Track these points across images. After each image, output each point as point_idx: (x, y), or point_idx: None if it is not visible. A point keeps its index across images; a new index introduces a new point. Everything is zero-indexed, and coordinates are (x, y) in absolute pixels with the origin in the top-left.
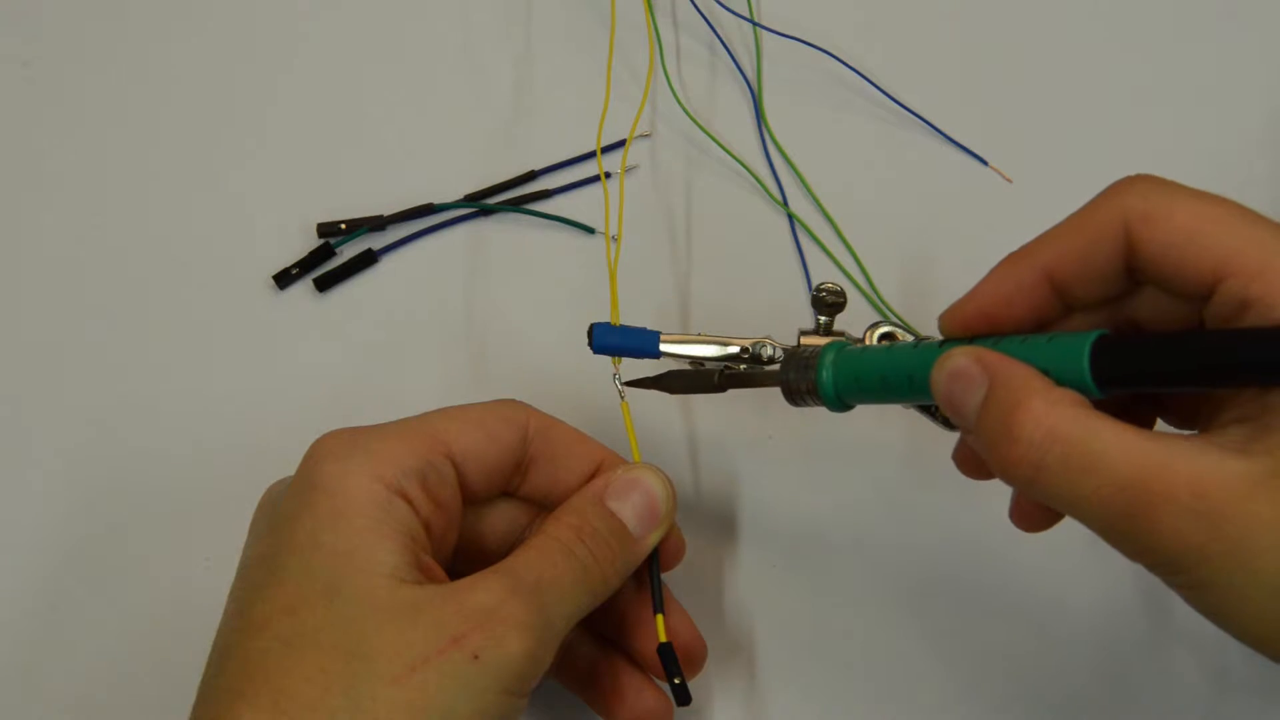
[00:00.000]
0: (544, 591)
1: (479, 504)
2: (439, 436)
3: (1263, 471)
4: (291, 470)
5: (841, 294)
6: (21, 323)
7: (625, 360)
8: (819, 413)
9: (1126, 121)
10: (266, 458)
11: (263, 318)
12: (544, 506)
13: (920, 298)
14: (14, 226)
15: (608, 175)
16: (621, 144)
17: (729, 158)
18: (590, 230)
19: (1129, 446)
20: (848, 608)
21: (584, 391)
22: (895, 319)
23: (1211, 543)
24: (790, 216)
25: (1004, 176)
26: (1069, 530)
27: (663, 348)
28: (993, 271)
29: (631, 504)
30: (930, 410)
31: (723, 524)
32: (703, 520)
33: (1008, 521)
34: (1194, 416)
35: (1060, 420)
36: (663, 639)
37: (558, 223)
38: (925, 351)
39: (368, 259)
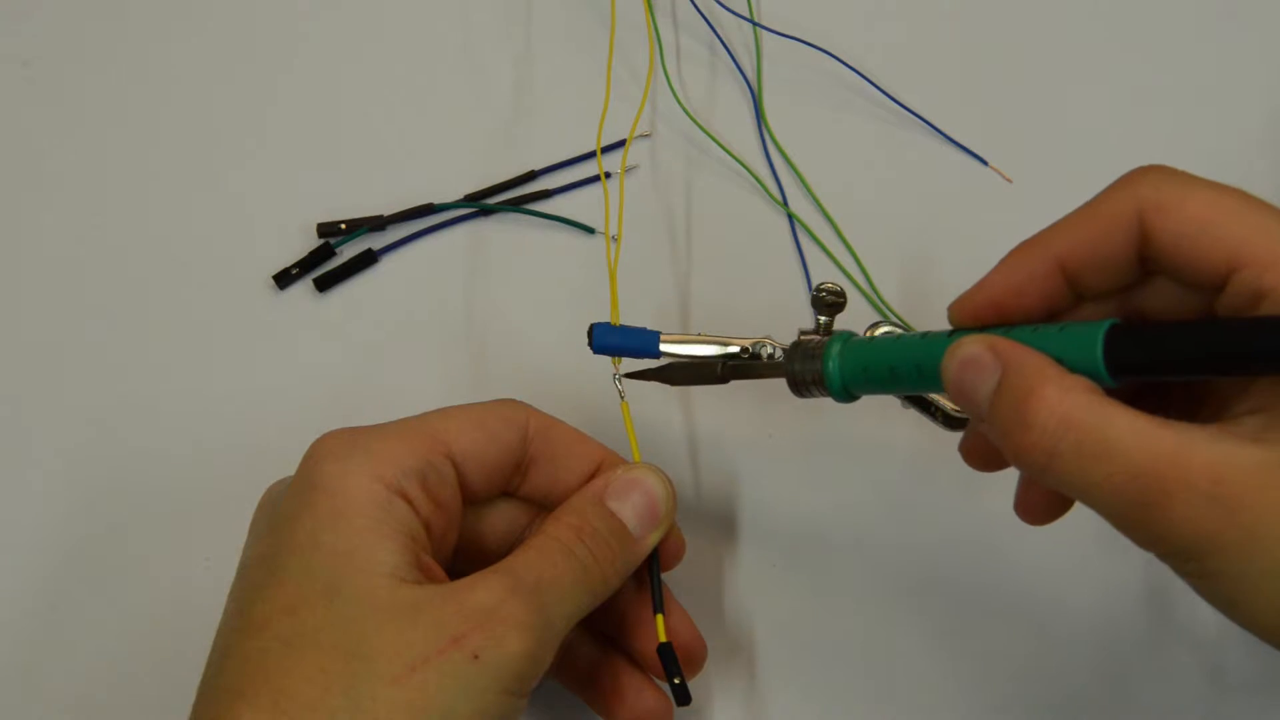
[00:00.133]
0: (544, 591)
1: (479, 504)
2: (439, 436)
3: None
4: (291, 470)
5: (841, 294)
6: (21, 323)
7: (625, 360)
8: (819, 412)
9: (1126, 121)
10: (266, 458)
11: (263, 318)
12: (544, 506)
13: (920, 298)
14: (14, 226)
15: (608, 175)
16: (621, 144)
17: (729, 158)
18: (590, 230)
19: (1143, 434)
20: (848, 608)
21: (584, 391)
22: (895, 319)
23: (1225, 531)
24: (790, 216)
25: (1004, 176)
26: (1069, 530)
27: (663, 348)
28: (1003, 261)
29: (631, 504)
30: (930, 409)
31: (723, 524)
32: (703, 520)
33: (1008, 521)
34: (1196, 412)
35: (1074, 407)
36: (663, 639)
37: (558, 223)
38: (933, 342)
39: (368, 259)
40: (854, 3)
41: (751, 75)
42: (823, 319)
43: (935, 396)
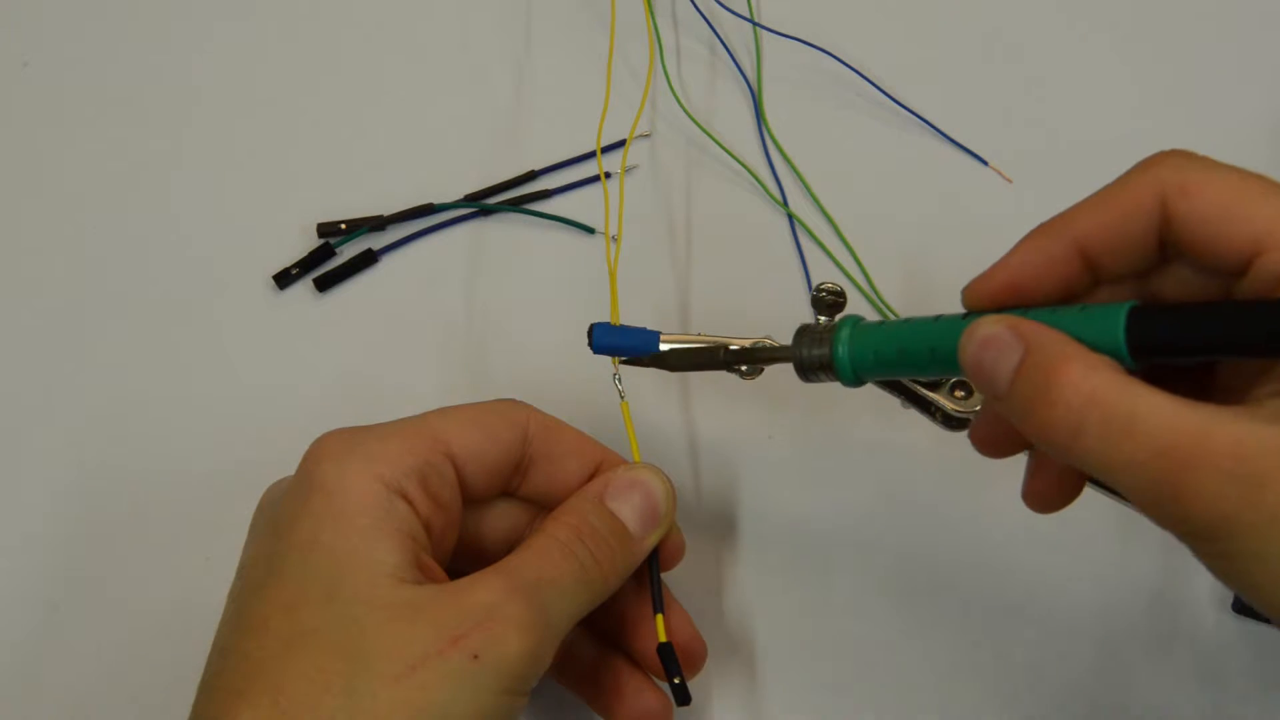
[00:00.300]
0: (544, 591)
1: (479, 504)
2: (439, 436)
3: None
4: (291, 470)
5: (841, 294)
6: (21, 323)
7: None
8: (819, 413)
9: (1127, 121)
10: (266, 457)
11: (263, 318)
12: (544, 506)
13: (920, 298)
14: (14, 226)
15: (608, 175)
16: (621, 144)
17: (729, 158)
18: (590, 230)
19: (1168, 412)
20: (848, 607)
21: (584, 391)
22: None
23: (1248, 510)
24: (790, 216)
25: (1004, 176)
26: (1069, 530)
27: (663, 348)
28: (1021, 243)
29: (631, 504)
30: (930, 409)
31: (723, 524)
32: (703, 520)
33: (1008, 521)
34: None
35: (1100, 385)
36: (663, 639)
37: (558, 223)
38: (948, 324)
39: (368, 259)
40: (854, 3)
41: (751, 75)
42: (822, 319)
43: (935, 396)
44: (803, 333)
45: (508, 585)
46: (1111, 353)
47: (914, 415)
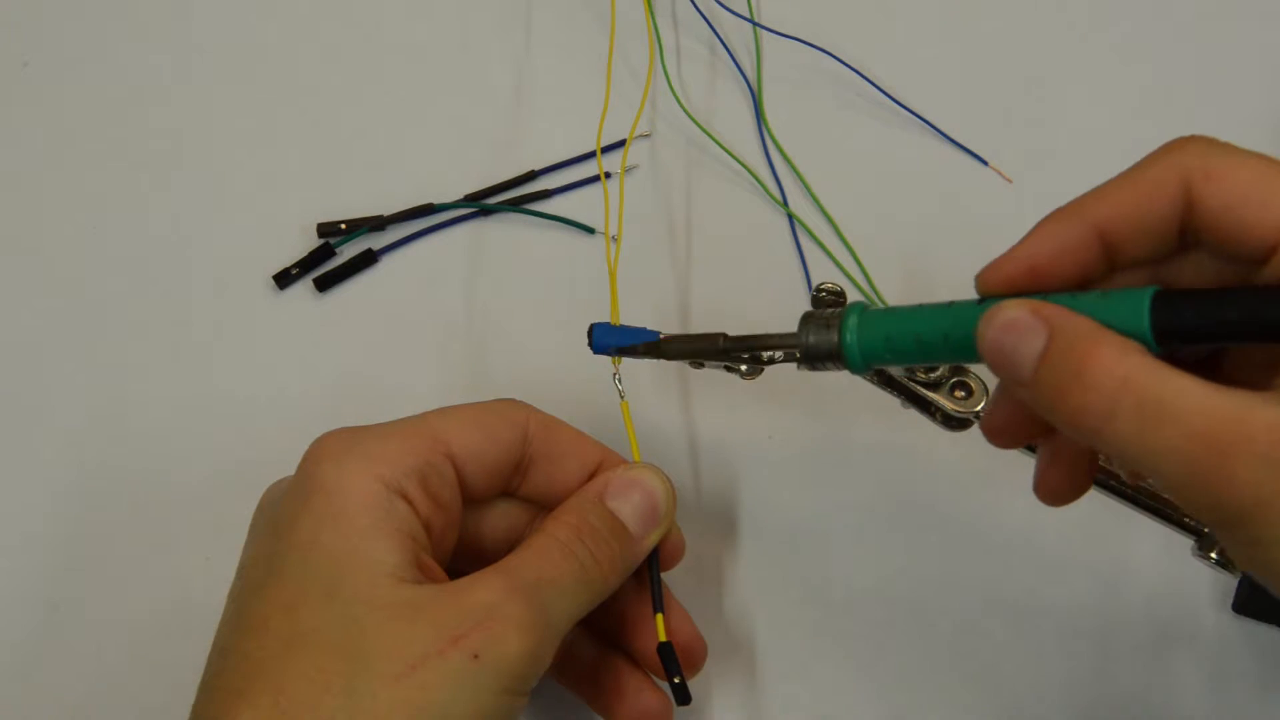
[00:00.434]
0: (544, 591)
1: (479, 504)
2: (439, 436)
3: None
4: (291, 470)
5: (841, 294)
6: (21, 322)
7: (625, 360)
8: (819, 413)
9: (1127, 121)
10: (266, 457)
11: (263, 318)
12: (544, 506)
13: (920, 298)
14: (14, 226)
15: (608, 175)
16: (621, 144)
17: (729, 158)
18: (590, 230)
19: (1203, 397)
20: (848, 607)
21: (584, 391)
22: None
23: None
24: (790, 216)
25: (1004, 176)
26: (1069, 529)
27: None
28: (1038, 227)
29: (631, 503)
30: (930, 409)
31: (723, 524)
32: (703, 520)
33: (1007, 521)
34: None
35: (1133, 369)
36: (663, 638)
37: (558, 223)
38: (962, 309)
39: (368, 259)
40: (854, 3)
41: (751, 75)
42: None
43: (935, 396)
44: (808, 319)
45: (508, 585)
46: (1135, 338)
47: (914, 415)
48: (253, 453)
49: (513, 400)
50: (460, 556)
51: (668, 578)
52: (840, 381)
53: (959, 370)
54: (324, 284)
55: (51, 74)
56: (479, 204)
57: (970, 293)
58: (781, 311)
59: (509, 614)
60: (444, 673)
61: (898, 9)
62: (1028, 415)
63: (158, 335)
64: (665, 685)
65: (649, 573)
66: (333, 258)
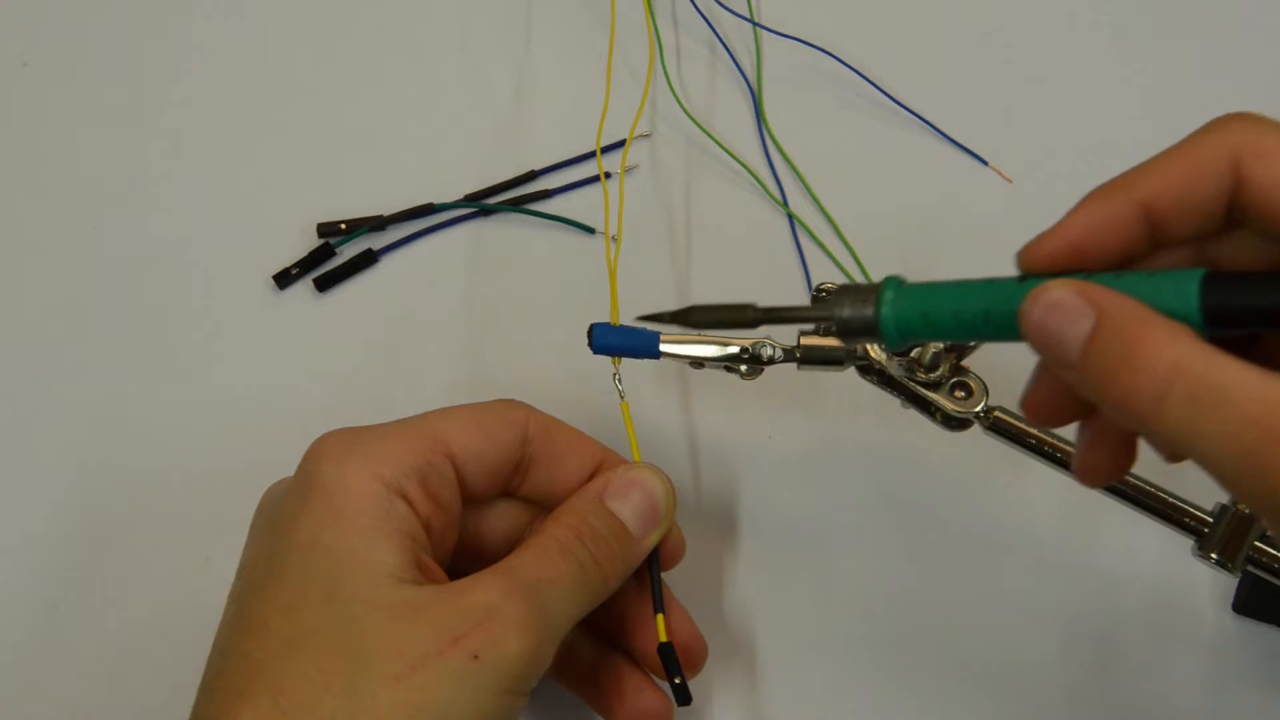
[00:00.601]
0: (544, 591)
1: (479, 504)
2: (439, 436)
3: None
4: (291, 470)
5: None
6: (21, 323)
7: (625, 360)
8: (819, 413)
9: (1126, 121)
10: (266, 457)
11: (263, 318)
12: (544, 506)
13: None
14: (14, 226)
15: (608, 175)
16: (621, 144)
17: (729, 158)
18: (590, 230)
19: (1257, 383)
20: (848, 607)
21: (584, 391)
22: None
23: None
24: (790, 216)
25: (1004, 176)
26: (1069, 529)
27: (662, 348)
28: (1082, 204)
29: (631, 504)
30: (930, 409)
31: (723, 524)
32: (703, 520)
33: (1007, 521)
34: None
35: (1185, 353)
36: (663, 639)
37: (558, 223)
38: (1005, 286)
39: (368, 259)
40: (854, 3)
41: (751, 75)
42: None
43: (935, 396)
44: (843, 292)
45: (507, 585)
46: (1182, 320)
47: (914, 415)
48: (253, 453)
49: (512, 400)
50: (460, 557)
51: (668, 578)
52: (840, 382)
53: (959, 370)
54: (324, 284)
55: (51, 74)
56: (479, 204)
57: None
58: None
59: (509, 614)
60: (444, 673)
61: (898, 9)
62: (1070, 395)
63: (158, 335)
64: (666, 685)
65: (649, 573)
66: (333, 258)
